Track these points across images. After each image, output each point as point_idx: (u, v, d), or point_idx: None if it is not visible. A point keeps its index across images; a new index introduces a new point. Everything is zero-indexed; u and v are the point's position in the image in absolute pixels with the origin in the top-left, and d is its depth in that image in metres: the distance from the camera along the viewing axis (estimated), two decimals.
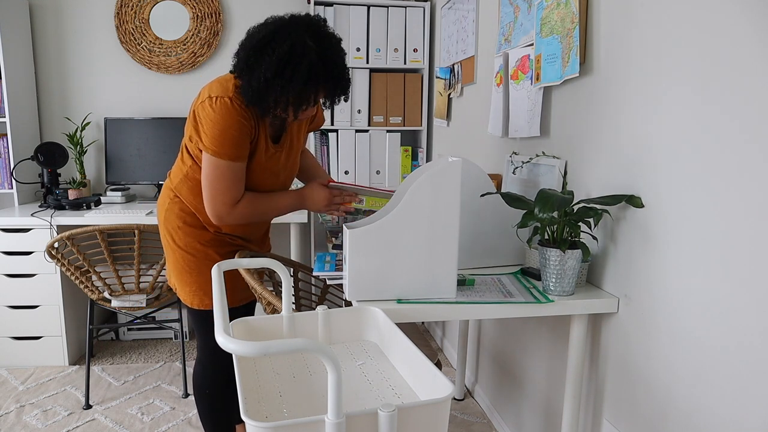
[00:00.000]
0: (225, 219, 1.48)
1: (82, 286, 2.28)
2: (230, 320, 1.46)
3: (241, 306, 1.75)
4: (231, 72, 1.43)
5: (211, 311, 1.62)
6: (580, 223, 1.33)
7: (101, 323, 3.15)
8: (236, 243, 1.68)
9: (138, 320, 2.85)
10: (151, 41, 3.10)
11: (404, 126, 3.15)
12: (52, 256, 2.19)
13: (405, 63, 3.08)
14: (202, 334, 1.67)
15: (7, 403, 2.33)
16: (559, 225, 1.33)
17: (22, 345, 2.65)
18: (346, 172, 3.13)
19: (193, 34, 3.13)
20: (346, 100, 1.47)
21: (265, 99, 1.35)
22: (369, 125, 3.12)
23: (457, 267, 1.58)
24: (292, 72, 1.30)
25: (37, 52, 3.04)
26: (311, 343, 0.66)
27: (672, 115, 1.18)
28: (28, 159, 2.80)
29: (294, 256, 2.72)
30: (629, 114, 1.33)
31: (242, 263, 1.13)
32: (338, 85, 1.40)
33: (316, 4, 2.97)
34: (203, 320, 1.65)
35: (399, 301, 1.28)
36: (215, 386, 1.70)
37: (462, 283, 1.42)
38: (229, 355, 1.64)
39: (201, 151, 1.45)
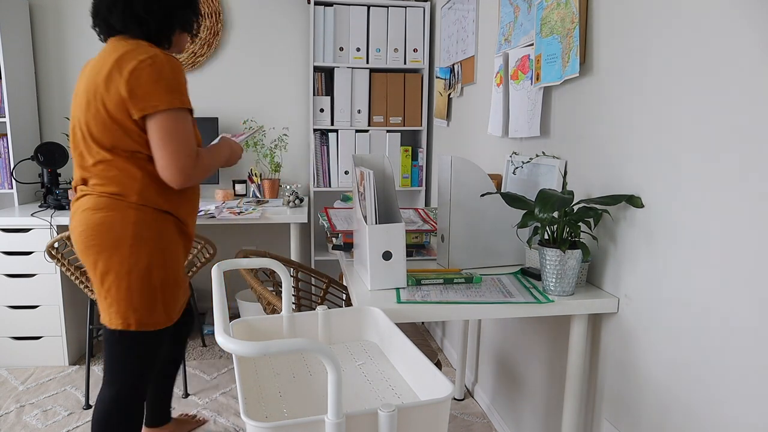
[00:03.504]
0: (191, 173, 1.40)
1: (82, 286, 2.28)
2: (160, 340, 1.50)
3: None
4: (125, 38, 1.44)
5: (154, 332, 1.50)
6: (580, 223, 1.33)
7: (101, 323, 3.15)
8: (188, 232, 1.59)
9: None
10: None
11: (404, 126, 3.15)
12: (52, 256, 2.19)
13: (405, 63, 3.08)
14: (139, 358, 1.50)
15: (7, 403, 2.33)
16: (559, 225, 1.33)
17: (22, 345, 2.65)
18: (346, 172, 3.14)
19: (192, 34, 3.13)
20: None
21: (173, 23, 1.50)
22: (369, 125, 3.12)
23: (457, 266, 1.58)
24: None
25: (37, 52, 3.04)
26: (311, 343, 0.66)
27: (672, 115, 1.18)
28: (28, 159, 2.80)
29: (294, 256, 2.72)
30: (629, 113, 1.33)
31: (242, 263, 1.13)
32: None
33: (316, 4, 2.97)
34: (137, 343, 1.49)
35: (399, 301, 1.28)
36: (127, 426, 1.52)
37: (469, 281, 1.42)
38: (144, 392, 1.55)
39: (144, 121, 1.37)
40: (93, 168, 1.42)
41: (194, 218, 1.62)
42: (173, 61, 1.39)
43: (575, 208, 1.38)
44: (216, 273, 1.04)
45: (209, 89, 3.23)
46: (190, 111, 1.44)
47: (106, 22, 1.45)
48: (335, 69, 3.03)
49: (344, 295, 2.19)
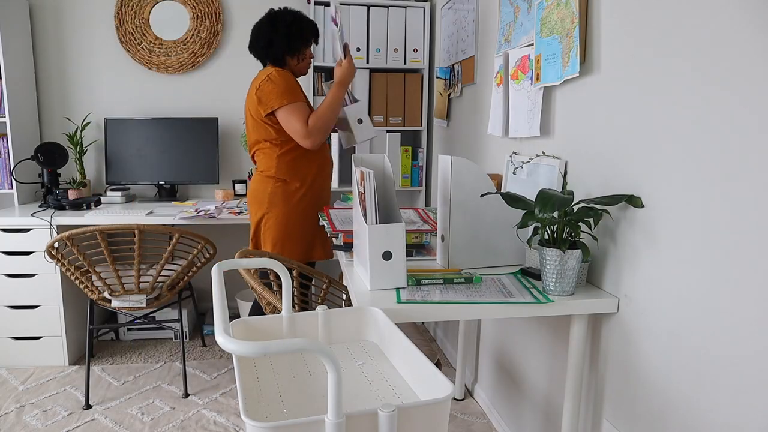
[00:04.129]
0: (312, 131, 2.07)
1: (82, 286, 2.29)
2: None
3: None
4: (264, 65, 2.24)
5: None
6: (580, 223, 1.33)
7: (101, 323, 3.15)
8: (321, 203, 2.26)
9: (138, 320, 2.85)
10: (151, 41, 3.10)
11: (404, 126, 3.15)
12: (52, 256, 2.19)
13: (405, 63, 3.08)
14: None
15: (7, 403, 2.33)
16: (559, 225, 1.33)
17: (22, 345, 2.65)
18: None
19: (193, 34, 3.13)
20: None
21: (294, 46, 2.16)
22: None
23: (457, 266, 1.58)
24: (301, 25, 2.18)
25: (37, 52, 3.04)
26: (311, 343, 0.66)
27: (672, 115, 1.18)
28: (28, 159, 2.80)
29: None
30: (629, 114, 1.33)
31: (242, 263, 1.13)
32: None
33: (316, 4, 2.97)
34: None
35: (399, 301, 1.28)
36: None
37: (469, 281, 1.42)
38: None
39: (276, 118, 2.11)
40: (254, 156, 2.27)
41: (321, 181, 2.27)
42: (287, 74, 2.11)
43: (575, 208, 1.38)
44: (216, 273, 1.04)
45: (209, 89, 3.23)
46: (306, 102, 2.13)
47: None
48: (335, 69, 3.02)
49: (344, 295, 2.19)
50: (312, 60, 2.23)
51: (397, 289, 1.36)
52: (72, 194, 2.80)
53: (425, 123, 3.16)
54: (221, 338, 0.70)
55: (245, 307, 3.04)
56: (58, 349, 2.66)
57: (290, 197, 2.16)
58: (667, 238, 1.20)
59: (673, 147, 1.18)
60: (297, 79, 2.18)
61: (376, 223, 1.31)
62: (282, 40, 2.11)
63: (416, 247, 1.74)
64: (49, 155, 2.76)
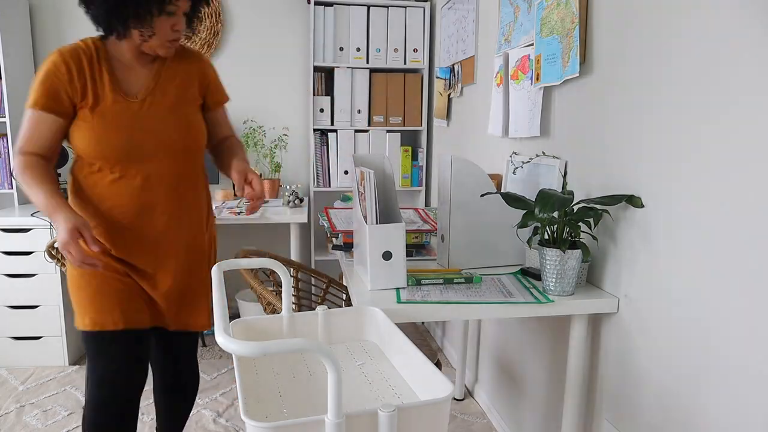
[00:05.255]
0: (16, 163, 1.33)
1: None
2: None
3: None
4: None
5: (90, 333, 1.36)
6: (580, 223, 1.33)
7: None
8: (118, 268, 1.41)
9: None
10: None
11: (404, 126, 3.15)
12: (52, 256, 2.19)
13: (405, 63, 3.08)
14: (87, 361, 1.39)
15: (7, 403, 2.33)
16: (559, 225, 1.33)
17: (22, 345, 2.65)
18: (346, 172, 3.14)
19: (192, 35, 3.13)
20: (208, 5, 1.47)
21: (121, 10, 1.27)
22: (369, 125, 3.12)
23: (457, 266, 1.58)
24: None
25: (37, 52, 3.04)
26: (311, 343, 0.66)
27: (672, 115, 1.18)
28: None
29: (294, 256, 2.72)
30: (629, 114, 1.33)
31: (242, 263, 1.13)
32: None
33: (316, 4, 2.97)
34: (85, 343, 1.38)
35: (399, 301, 1.28)
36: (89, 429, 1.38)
37: (469, 281, 1.42)
38: (109, 394, 1.38)
39: None
40: None
41: (117, 234, 1.39)
42: (48, 60, 1.32)
43: (575, 208, 1.38)
44: (216, 273, 1.04)
45: None
46: (52, 110, 1.33)
47: None
48: (335, 69, 3.03)
49: (344, 295, 2.19)
50: (179, 34, 1.36)
51: (397, 289, 1.36)
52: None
53: (425, 123, 3.16)
54: (221, 338, 0.70)
55: (245, 307, 3.04)
56: (58, 349, 2.66)
57: None
58: (667, 238, 1.20)
59: (673, 147, 1.18)
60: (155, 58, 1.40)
61: (377, 223, 1.31)
62: (114, 7, 1.27)
63: (416, 247, 1.74)
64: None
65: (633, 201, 1.29)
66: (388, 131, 3.14)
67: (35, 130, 1.34)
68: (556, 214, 1.35)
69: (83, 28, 3.05)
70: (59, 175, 2.86)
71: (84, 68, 1.34)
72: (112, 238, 1.40)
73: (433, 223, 1.81)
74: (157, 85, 1.40)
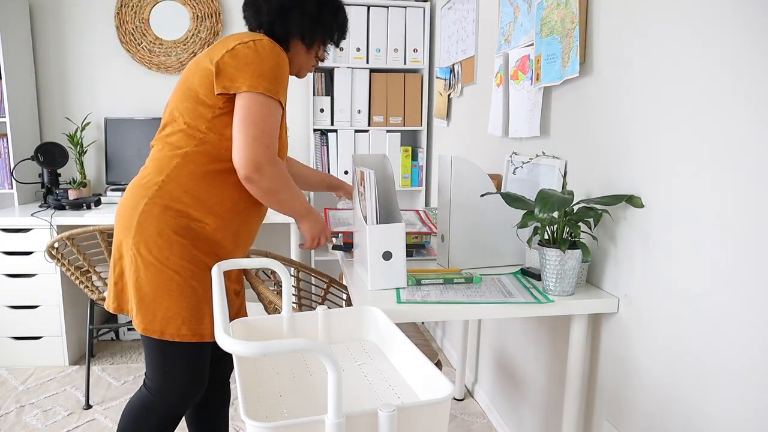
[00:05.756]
0: (264, 169, 1.24)
1: (82, 286, 2.28)
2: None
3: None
4: (251, 30, 1.42)
5: (185, 343, 1.32)
6: (580, 223, 1.33)
7: (101, 323, 3.15)
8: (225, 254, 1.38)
9: None
10: (151, 41, 3.10)
11: (404, 126, 3.15)
12: (52, 256, 2.19)
13: (405, 63, 3.08)
14: (160, 370, 1.34)
15: (7, 403, 2.33)
16: (559, 225, 1.33)
17: (22, 345, 2.65)
18: (346, 172, 3.13)
19: (193, 34, 3.13)
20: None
21: (318, 26, 1.40)
22: (369, 125, 3.12)
23: (457, 266, 1.58)
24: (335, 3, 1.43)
25: (37, 52, 3.04)
26: (311, 343, 0.66)
27: (672, 115, 1.18)
28: (28, 159, 2.80)
29: (294, 256, 2.72)
30: (629, 114, 1.33)
31: (242, 263, 1.13)
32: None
33: None
34: (167, 353, 1.33)
35: (399, 301, 1.28)
36: None
37: (469, 281, 1.42)
38: (182, 404, 1.37)
39: (231, 101, 1.28)
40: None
41: (239, 238, 1.39)
42: (280, 51, 1.29)
43: (575, 208, 1.38)
44: (216, 273, 1.04)
45: None
46: (282, 108, 1.33)
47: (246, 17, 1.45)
48: (335, 69, 3.03)
49: (344, 295, 2.19)
50: (319, 63, 1.49)
51: (397, 289, 1.36)
52: (72, 194, 2.80)
53: (425, 123, 3.16)
54: (221, 338, 0.70)
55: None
56: (58, 349, 2.66)
57: (183, 229, 1.30)
58: (667, 238, 1.20)
59: (673, 147, 1.18)
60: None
61: (377, 223, 1.31)
62: (305, 15, 1.36)
63: (416, 247, 1.74)
64: (49, 155, 2.77)
65: (633, 201, 1.29)
66: (388, 131, 3.14)
67: (277, 124, 1.29)
68: (556, 214, 1.35)
69: (83, 28, 3.05)
70: (59, 175, 2.86)
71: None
72: (240, 236, 1.41)
73: (432, 226, 1.81)
74: None
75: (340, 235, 1.70)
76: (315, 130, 3.09)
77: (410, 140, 3.36)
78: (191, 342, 1.31)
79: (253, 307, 3.00)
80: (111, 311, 1.39)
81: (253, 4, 1.37)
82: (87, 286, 2.29)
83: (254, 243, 3.41)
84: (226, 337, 0.70)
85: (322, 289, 2.10)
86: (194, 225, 1.30)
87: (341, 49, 1.78)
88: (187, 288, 1.29)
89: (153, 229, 1.28)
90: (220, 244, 1.35)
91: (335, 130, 3.11)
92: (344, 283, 2.17)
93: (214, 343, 1.51)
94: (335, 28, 1.44)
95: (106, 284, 2.27)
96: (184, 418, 1.79)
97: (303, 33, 1.39)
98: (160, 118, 3.01)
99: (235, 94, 1.26)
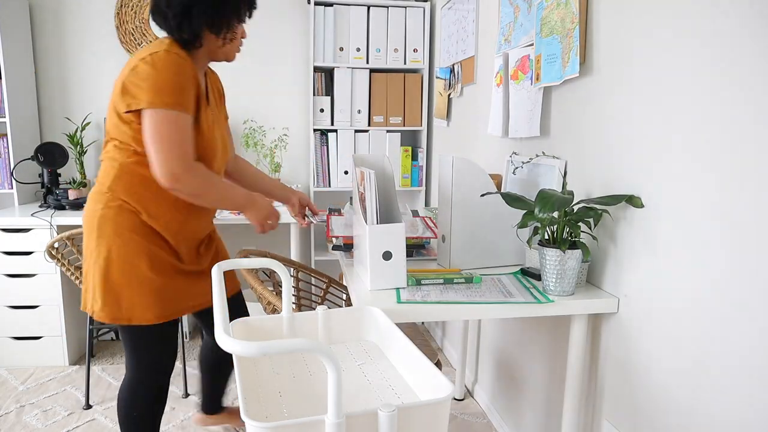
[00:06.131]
0: (181, 178, 1.32)
1: (82, 287, 2.28)
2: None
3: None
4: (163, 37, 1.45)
5: (152, 325, 1.47)
6: (580, 223, 1.33)
7: (101, 323, 3.15)
8: (169, 256, 1.49)
9: None
10: (151, 41, 3.10)
11: (404, 126, 3.15)
12: (52, 256, 2.19)
13: (405, 63, 3.08)
14: (136, 351, 1.51)
15: (7, 403, 2.33)
16: (559, 225, 1.33)
17: (22, 345, 2.65)
18: (346, 172, 3.13)
19: None
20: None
21: (223, 13, 1.41)
22: (369, 125, 3.12)
23: (457, 266, 1.58)
24: None
25: (37, 52, 3.04)
26: (311, 343, 0.66)
27: (672, 115, 1.18)
28: (28, 159, 2.80)
29: (294, 256, 2.72)
30: (629, 114, 1.33)
31: (242, 263, 1.13)
32: None
33: (316, 4, 2.97)
34: (138, 336, 1.49)
35: (399, 301, 1.28)
36: (146, 407, 1.55)
37: (469, 281, 1.42)
38: (163, 374, 1.56)
39: (140, 116, 1.34)
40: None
41: (182, 235, 1.51)
42: (177, 62, 1.33)
43: (575, 208, 1.38)
44: (216, 273, 1.04)
45: None
46: (193, 112, 1.38)
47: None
48: (335, 69, 3.03)
49: (344, 295, 2.19)
50: (243, 41, 1.43)
51: (397, 289, 1.36)
52: (72, 194, 2.80)
53: (425, 123, 3.16)
54: (221, 338, 0.70)
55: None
56: (58, 349, 2.66)
57: (130, 226, 1.43)
58: (667, 238, 1.20)
59: (673, 147, 1.18)
60: (214, 65, 1.46)
61: (377, 223, 1.31)
62: (207, 8, 1.38)
63: (416, 247, 1.74)
64: (49, 155, 2.76)
65: (633, 201, 1.29)
66: (388, 131, 3.14)
67: (188, 134, 1.36)
68: (556, 214, 1.35)
69: (83, 28, 3.05)
70: (59, 175, 2.86)
71: (194, 72, 1.39)
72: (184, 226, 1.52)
73: (435, 231, 1.81)
74: (212, 95, 1.55)
75: (340, 237, 1.70)
76: (315, 130, 3.09)
77: (410, 140, 3.36)
78: (157, 323, 1.47)
79: (253, 307, 2.99)
80: (81, 309, 1.55)
81: (159, 13, 1.40)
82: None
83: (254, 243, 3.42)
84: (226, 337, 0.70)
85: (321, 289, 2.10)
86: (145, 222, 1.44)
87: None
88: (145, 279, 1.43)
89: (111, 230, 1.42)
90: (166, 239, 1.49)
91: (335, 130, 3.11)
92: (344, 283, 2.17)
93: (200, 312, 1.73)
94: (240, 6, 1.45)
95: None
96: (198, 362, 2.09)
97: (211, 25, 1.41)
98: None
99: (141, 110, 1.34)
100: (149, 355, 1.52)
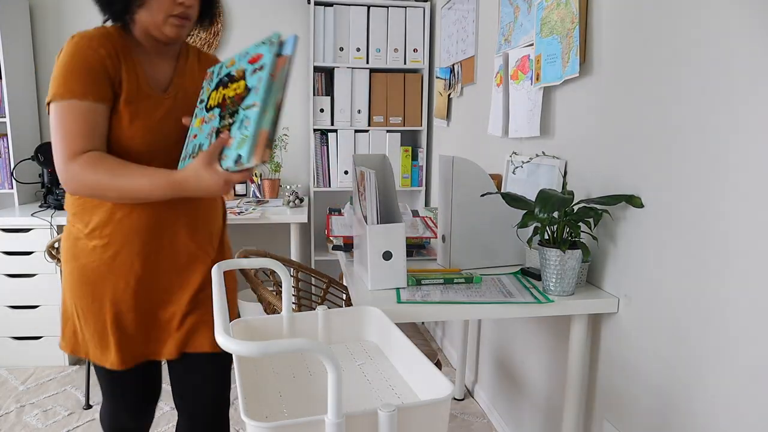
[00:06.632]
0: (63, 177, 1.13)
1: None
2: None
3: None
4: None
5: (98, 366, 1.29)
6: (580, 223, 1.33)
7: None
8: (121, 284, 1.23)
9: None
10: None
11: (404, 126, 3.15)
12: (52, 256, 2.19)
13: (405, 63, 3.08)
14: (101, 386, 1.36)
15: (7, 403, 2.33)
16: (559, 225, 1.33)
17: (22, 345, 2.65)
18: (346, 172, 3.13)
19: (192, 34, 3.13)
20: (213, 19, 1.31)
21: None
22: (369, 125, 3.12)
23: (457, 266, 1.58)
24: None
25: (37, 52, 3.04)
26: (311, 343, 0.66)
27: (672, 115, 1.18)
28: (28, 159, 2.80)
29: (294, 256, 2.72)
30: (629, 114, 1.33)
31: (242, 263, 1.12)
32: None
33: (316, 4, 2.97)
34: (98, 374, 1.34)
35: (399, 301, 1.28)
36: None
37: (469, 281, 1.42)
38: (121, 424, 1.39)
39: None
40: None
41: (133, 246, 1.22)
42: (78, 44, 1.14)
43: (575, 208, 1.38)
44: (216, 273, 1.04)
45: None
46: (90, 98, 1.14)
47: None
48: (335, 69, 3.03)
49: (344, 295, 2.19)
50: (184, 8, 1.17)
51: (397, 289, 1.36)
52: None
53: (425, 123, 3.16)
54: (221, 338, 0.70)
55: (245, 307, 3.04)
56: (58, 349, 2.66)
57: (79, 250, 1.24)
58: (666, 238, 1.20)
59: (673, 147, 1.18)
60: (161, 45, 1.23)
61: (377, 223, 1.31)
62: None
63: (416, 247, 1.74)
64: (49, 155, 2.76)
65: (633, 201, 1.29)
66: (388, 131, 3.14)
67: (84, 123, 1.13)
68: (556, 214, 1.35)
69: (83, 28, 3.05)
70: None
71: (115, 53, 1.17)
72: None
73: (434, 231, 1.81)
74: (179, 82, 1.27)
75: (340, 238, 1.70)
76: (315, 130, 3.09)
77: (410, 140, 3.36)
78: (100, 365, 1.28)
79: (253, 307, 2.99)
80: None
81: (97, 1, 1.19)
82: None
83: (254, 243, 3.42)
84: (226, 337, 0.69)
85: (321, 289, 2.10)
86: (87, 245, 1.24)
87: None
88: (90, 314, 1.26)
89: (66, 254, 1.27)
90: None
91: (335, 130, 3.11)
92: (344, 283, 2.17)
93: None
94: None
95: None
96: None
97: None
98: None
99: None
100: (105, 399, 1.36)
